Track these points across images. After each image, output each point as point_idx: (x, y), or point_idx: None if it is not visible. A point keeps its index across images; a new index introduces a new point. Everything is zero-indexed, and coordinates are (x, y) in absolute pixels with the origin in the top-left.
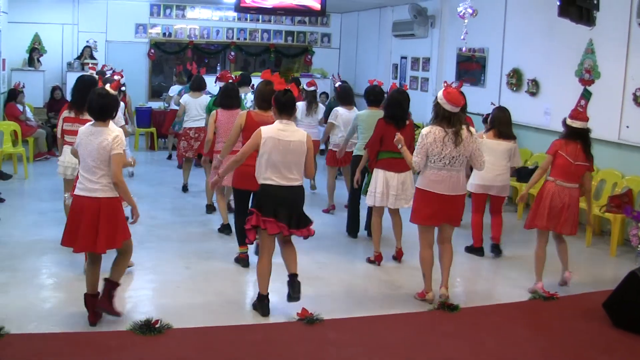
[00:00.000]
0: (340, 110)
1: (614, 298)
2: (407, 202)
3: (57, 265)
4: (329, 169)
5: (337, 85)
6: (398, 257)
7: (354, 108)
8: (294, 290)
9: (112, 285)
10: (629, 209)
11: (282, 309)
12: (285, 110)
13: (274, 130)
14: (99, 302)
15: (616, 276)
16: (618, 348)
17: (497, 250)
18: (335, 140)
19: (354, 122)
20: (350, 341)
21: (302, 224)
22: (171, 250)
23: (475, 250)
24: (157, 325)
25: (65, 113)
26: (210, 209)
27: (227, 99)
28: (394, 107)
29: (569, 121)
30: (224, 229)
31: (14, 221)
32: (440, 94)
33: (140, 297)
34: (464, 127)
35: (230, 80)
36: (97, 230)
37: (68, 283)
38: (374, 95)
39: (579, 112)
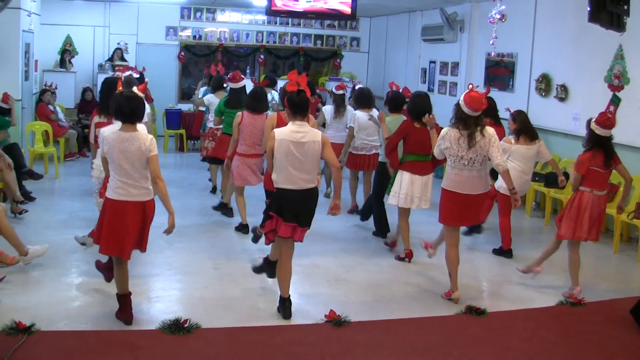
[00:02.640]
0: (358, 113)
1: None
2: (426, 203)
3: (87, 264)
4: (350, 172)
5: (357, 87)
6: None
7: (374, 110)
8: (284, 314)
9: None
10: None
11: (310, 311)
12: (299, 110)
13: (287, 133)
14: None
15: None
16: None
17: (509, 254)
18: (354, 143)
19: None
20: (378, 344)
21: (308, 223)
22: (199, 251)
23: (504, 252)
24: (185, 325)
25: (96, 119)
26: (223, 207)
27: (255, 103)
28: (418, 107)
29: (593, 126)
30: (242, 227)
31: (44, 220)
32: (462, 96)
33: (169, 297)
34: (478, 129)
35: (259, 84)
36: (143, 231)
37: (97, 282)
38: (397, 101)
39: (606, 119)
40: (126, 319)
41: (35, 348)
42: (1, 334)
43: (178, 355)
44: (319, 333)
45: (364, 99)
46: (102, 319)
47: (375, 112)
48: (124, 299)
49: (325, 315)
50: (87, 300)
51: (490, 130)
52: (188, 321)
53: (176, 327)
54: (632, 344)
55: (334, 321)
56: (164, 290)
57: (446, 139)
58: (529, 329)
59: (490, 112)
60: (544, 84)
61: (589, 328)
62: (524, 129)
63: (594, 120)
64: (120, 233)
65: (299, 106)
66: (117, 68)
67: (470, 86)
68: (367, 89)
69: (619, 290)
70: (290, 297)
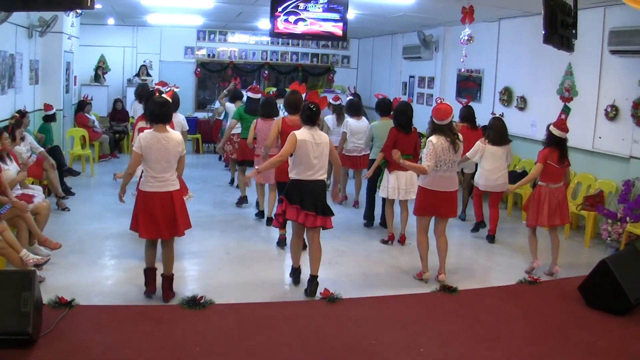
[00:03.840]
0: (350, 120)
1: (587, 282)
2: (414, 194)
3: (118, 249)
4: (342, 169)
5: (348, 99)
6: (402, 241)
7: (362, 118)
8: (310, 290)
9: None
10: (601, 207)
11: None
12: (310, 121)
13: (306, 134)
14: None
15: (589, 264)
16: (590, 324)
17: (492, 239)
18: (347, 146)
19: (370, 132)
20: (366, 317)
21: (326, 212)
22: (213, 238)
23: (488, 237)
24: (202, 301)
25: (142, 124)
26: (242, 200)
27: (267, 110)
28: (400, 116)
29: (551, 128)
30: (268, 221)
31: (82, 211)
32: (431, 111)
33: (187, 278)
34: (456, 136)
35: (270, 94)
36: (175, 216)
37: (127, 264)
38: (384, 106)
39: (562, 123)
40: (149, 290)
41: (75, 320)
42: (47, 308)
43: (195, 326)
44: (315, 308)
45: (353, 108)
46: (131, 296)
47: (364, 121)
48: (149, 272)
49: (320, 293)
50: (118, 280)
51: (460, 136)
52: (203, 298)
53: (193, 302)
54: (579, 315)
55: (328, 298)
56: (183, 271)
57: (437, 148)
58: (493, 303)
59: (468, 119)
60: (506, 96)
61: (544, 302)
62: (492, 132)
63: (552, 124)
64: (156, 219)
65: (311, 117)
66: (156, 83)
67: (439, 100)
68: (357, 100)
69: (569, 270)
70: (300, 267)
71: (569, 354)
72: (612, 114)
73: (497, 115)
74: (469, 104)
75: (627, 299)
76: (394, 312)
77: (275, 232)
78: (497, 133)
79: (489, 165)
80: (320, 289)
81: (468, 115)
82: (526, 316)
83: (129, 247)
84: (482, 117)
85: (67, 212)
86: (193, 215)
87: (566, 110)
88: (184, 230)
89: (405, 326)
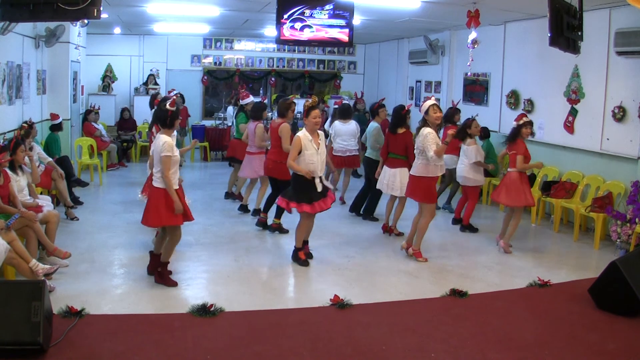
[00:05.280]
0: (336, 123)
1: (597, 284)
2: (398, 191)
3: (127, 258)
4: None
5: (342, 102)
6: (390, 231)
7: (351, 121)
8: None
9: (164, 265)
10: (610, 209)
11: (317, 296)
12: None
13: (302, 137)
14: (158, 279)
15: (599, 266)
16: (601, 327)
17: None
18: (336, 147)
19: (366, 133)
20: (376, 322)
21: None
22: (222, 245)
23: (465, 226)
24: (212, 309)
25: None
26: (229, 196)
27: (255, 113)
28: (391, 119)
29: (515, 124)
30: (255, 212)
31: (91, 221)
32: None
33: (197, 285)
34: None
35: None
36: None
37: (136, 273)
38: (371, 110)
39: (522, 116)
40: (150, 267)
41: (85, 329)
42: (57, 317)
43: (206, 334)
44: (325, 314)
45: (343, 112)
46: (141, 304)
47: (352, 124)
48: (153, 255)
49: (330, 299)
50: (127, 289)
51: (423, 131)
52: (213, 306)
53: (203, 310)
54: (590, 317)
55: (338, 304)
56: (192, 279)
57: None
58: (504, 307)
59: (451, 120)
60: (513, 99)
61: (554, 305)
62: (459, 131)
63: (515, 120)
64: (165, 209)
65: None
66: (169, 90)
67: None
68: (347, 104)
69: (579, 272)
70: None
71: (579, 356)
72: (620, 115)
73: (472, 117)
74: (455, 107)
75: (637, 301)
76: (404, 317)
77: (282, 239)
78: (460, 131)
79: (463, 161)
80: (330, 295)
81: (448, 115)
82: (536, 319)
83: (138, 255)
84: (491, 121)
85: (76, 221)
86: (202, 222)
87: (573, 113)
88: (191, 217)
89: (415, 331)
